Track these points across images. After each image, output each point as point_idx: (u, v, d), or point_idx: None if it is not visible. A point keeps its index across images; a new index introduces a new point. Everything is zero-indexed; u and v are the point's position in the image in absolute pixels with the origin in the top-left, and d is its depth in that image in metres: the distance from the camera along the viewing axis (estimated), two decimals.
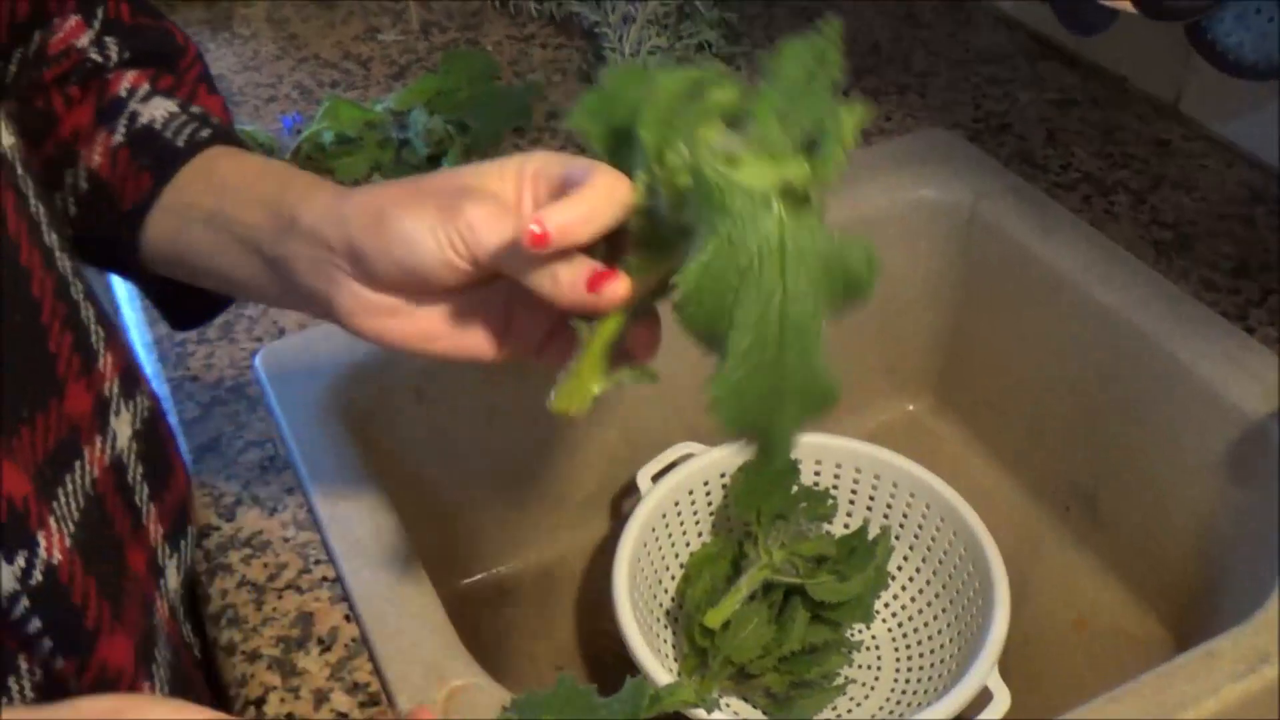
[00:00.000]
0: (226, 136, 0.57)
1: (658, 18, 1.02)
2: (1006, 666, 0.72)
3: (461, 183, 0.48)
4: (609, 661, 0.84)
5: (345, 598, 0.63)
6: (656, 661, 0.69)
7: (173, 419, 0.74)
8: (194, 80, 0.60)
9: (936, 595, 0.81)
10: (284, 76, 1.08)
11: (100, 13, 0.56)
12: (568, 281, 0.44)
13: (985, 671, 0.70)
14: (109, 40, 0.57)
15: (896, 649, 0.83)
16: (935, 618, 0.81)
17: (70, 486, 0.49)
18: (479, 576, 0.89)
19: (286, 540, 0.67)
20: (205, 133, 0.56)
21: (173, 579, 0.59)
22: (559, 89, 1.04)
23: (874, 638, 0.83)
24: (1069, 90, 1.01)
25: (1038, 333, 0.88)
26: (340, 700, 0.59)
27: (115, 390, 0.54)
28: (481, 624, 0.88)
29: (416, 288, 0.49)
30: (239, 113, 1.03)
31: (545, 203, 0.47)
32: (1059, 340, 0.87)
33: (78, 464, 0.50)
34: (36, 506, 0.46)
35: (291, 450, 0.71)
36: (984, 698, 0.69)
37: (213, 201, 0.53)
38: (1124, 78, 1.01)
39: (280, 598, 0.64)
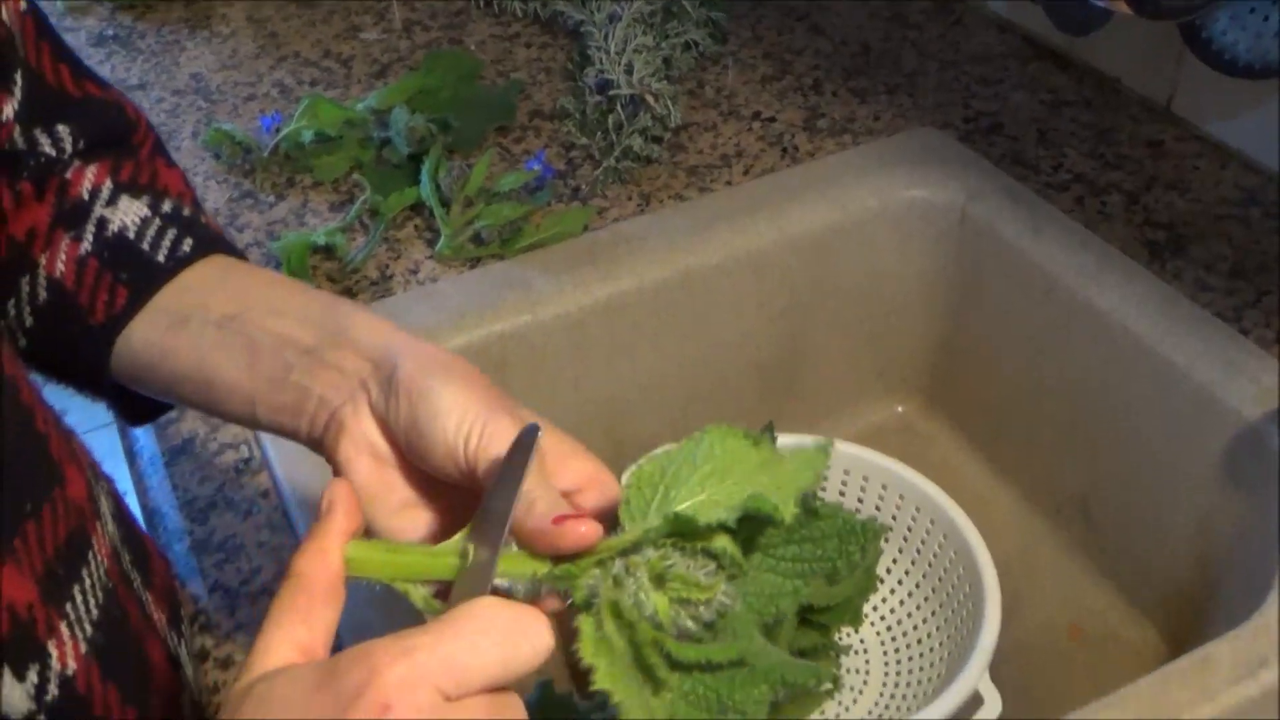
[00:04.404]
0: (212, 244, 0.54)
1: (643, 17, 1.01)
2: (1000, 673, 0.71)
3: (511, 400, 0.48)
4: None
5: None
6: None
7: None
8: (148, 157, 0.56)
9: (926, 598, 0.80)
10: (264, 75, 1.06)
11: (19, 78, 0.51)
12: (541, 511, 0.44)
13: (976, 675, 0.68)
14: (61, 129, 0.53)
15: (885, 653, 0.81)
16: (925, 621, 0.80)
17: (88, 582, 0.45)
18: None
19: (261, 544, 0.65)
20: (187, 244, 0.53)
21: (188, 669, 0.55)
22: (543, 88, 1.03)
23: (863, 641, 0.82)
24: (1061, 91, 1.00)
25: (1030, 334, 0.87)
26: None
27: (92, 469, 0.50)
28: None
29: (406, 447, 0.48)
30: (218, 111, 1.02)
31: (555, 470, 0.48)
32: (1052, 341, 0.85)
33: (90, 554, 0.46)
34: (44, 612, 0.42)
35: (267, 452, 0.70)
36: (975, 702, 0.68)
37: (230, 307, 0.51)
38: (1117, 78, 1.00)
39: (254, 603, 0.62)
